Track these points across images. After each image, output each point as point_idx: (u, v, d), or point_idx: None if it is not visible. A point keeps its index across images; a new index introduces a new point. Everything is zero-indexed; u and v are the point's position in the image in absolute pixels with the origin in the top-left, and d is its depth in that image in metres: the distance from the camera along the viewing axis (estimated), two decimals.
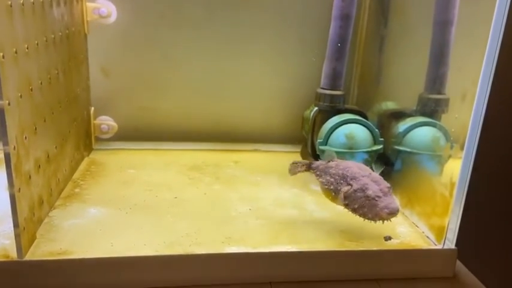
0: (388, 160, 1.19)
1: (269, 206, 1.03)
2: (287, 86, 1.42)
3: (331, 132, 1.22)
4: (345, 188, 0.85)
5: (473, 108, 0.88)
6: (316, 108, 1.36)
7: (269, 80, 1.41)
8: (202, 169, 1.24)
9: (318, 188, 1.24)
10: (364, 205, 0.82)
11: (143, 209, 0.99)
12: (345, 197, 0.84)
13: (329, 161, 0.93)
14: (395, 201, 0.83)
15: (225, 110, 1.42)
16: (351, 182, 0.84)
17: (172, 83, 1.37)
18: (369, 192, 0.82)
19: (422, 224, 0.98)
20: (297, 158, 1.37)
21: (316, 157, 1.26)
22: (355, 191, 0.84)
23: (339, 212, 1.09)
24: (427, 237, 0.95)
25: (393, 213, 0.79)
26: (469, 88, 0.91)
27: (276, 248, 0.86)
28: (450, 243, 0.92)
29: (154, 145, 1.38)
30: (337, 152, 1.24)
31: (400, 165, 1.17)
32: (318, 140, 1.27)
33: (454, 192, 0.94)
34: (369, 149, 1.15)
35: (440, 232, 0.92)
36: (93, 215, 0.95)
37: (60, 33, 1.07)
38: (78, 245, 0.81)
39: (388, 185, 0.86)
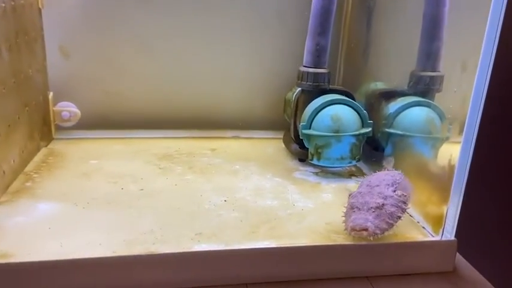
0: (378, 144, 1.12)
1: (247, 196, 0.95)
2: (267, 66, 1.34)
3: (316, 115, 1.10)
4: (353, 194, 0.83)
5: (475, 79, 0.77)
6: (298, 88, 1.24)
7: (247, 60, 1.32)
8: (174, 158, 1.12)
9: (303, 177, 1.13)
10: (346, 214, 0.81)
11: (103, 203, 0.87)
12: (348, 200, 0.83)
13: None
14: (372, 220, 0.75)
15: (201, 95, 1.33)
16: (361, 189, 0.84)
17: (142, 65, 1.27)
18: (352, 201, 0.79)
19: (417, 214, 0.91)
20: (279, 144, 1.28)
21: (300, 143, 1.13)
22: (353, 196, 0.82)
23: (324, 202, 0.98)
24: (423, 227, 0.88)
25: (354, 229, 0.75)
26: (469, 56, 0.80)
27: (253, 245, 0.77)
28: (449, 234, 0.84)
29: (122, 133, 1.27)
30: (321, 137, 1.13)
31: (391, 149, 1.09)
32: (301, 124, 1.15)
33: (453, 177, 0.83)
34: (357, 132, 1.08)
35: (437, 222, 0.84)
36: (43, 212, 0.82)
37: (3, 4, 0.93)
38: (21, 246, 0.69)
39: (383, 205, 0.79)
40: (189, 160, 1.14)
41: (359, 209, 0.76)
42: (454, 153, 0.84)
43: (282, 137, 1.29)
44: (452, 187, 0.83)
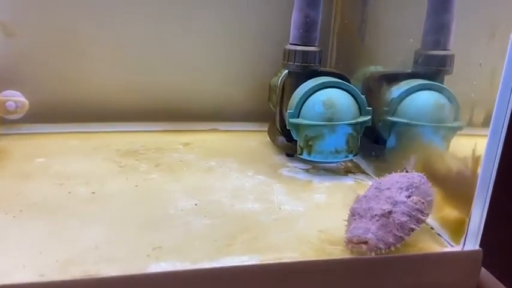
0: (378, 136, 0.99)
1: (223, 198, 0.82)
2: (248, 47, 1.21)
3: (305, 100, 0.96)
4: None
5: (509, 47, 0.60)
6: (285, 71, 1.07)
7: (225, 41, 1.19)
8: (139, 155, 0.96)
9: (291, 174, 0.96)
10: (348, 222, 0.68)
11: (41, 211, 0.69)
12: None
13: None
14: (375, 230, 0.63)
15: (172, 82, 1.20)
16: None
17: (104, 46, 1.13)
18: (354, 206, 0.67)
19: (430, 218, 0.75)
20: (264, 137, 1.17)
21: (287, 135, 1.03)
22: (357, 201, 0.70)
23: (316, 204, 0.81)
24: (439, 235, 0.74)
25: (351, 241, 0.62)
26: (500, 18, 0.63)
27: (227, 261, 0.63)
28: (472, 243, 0.70)
29: (79, 127, 1.13)
30: (312, 126, 0.95)
31: (394, 141, 0.97)
32: (288, 111, 0.98)
33: (479, 172, 0.66)
34: (354, 121, 0.94)
35: (457, 228, 0.71)
36: None
37: None
38: None
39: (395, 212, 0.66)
40: (157, 156, 0.97)
41: (361, 216, 0.64)
42: (478, 146, 0.67)
43: (266, 129, 1.16)
44: (477, 187, 0.66)
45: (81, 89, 1.13)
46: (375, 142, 1.04)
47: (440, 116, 0.87)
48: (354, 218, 0.64)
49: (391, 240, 0.61)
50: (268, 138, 1.13)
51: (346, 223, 0.69)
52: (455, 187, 0.72)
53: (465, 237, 0.68)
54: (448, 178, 0.74)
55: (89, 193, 0.83)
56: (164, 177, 0.90)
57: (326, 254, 0.65)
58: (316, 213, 0.78)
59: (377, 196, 0.66)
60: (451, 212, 0.71)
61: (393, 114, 0.94)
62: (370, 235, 0.60)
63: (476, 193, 0.66)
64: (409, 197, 0.66)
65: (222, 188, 0.86)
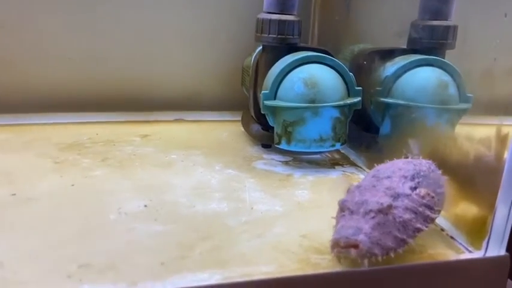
0: (370, 122, 0.88)
1: (182, 198, 0.69)
2: (218, 28, 1.10)
3: (282, 79, 0.82)
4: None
5: None
6: (259, 48, 0.91)
7: (190, 22, 1.08)
8: (84, 148, 0.83)
9: (268, 167, 0.80)
10: (336, 220, 0.55)
11: None
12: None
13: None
14: (369, 230, 0.49)
15: (130, 67, 1.08)
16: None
17: (46, 24, 0.99)
18: (345, 199, 0.54)
19: (441, 217, 0.63)
20: (237, 127, 1.05)
21: (263, 122, 0.90)
22: (348, 192, 0.57)
23: (298, 202, 0.68)
24: (452, 237, 0.61)
25: (338, 245, 0.49)
26: None
27: (178, 281, 0.49)
28: (497, 247, 0.56)
29: (13, 119, 0.98)
30: (291, 109, 0.80)
31: (388, 127, 0.86)
32: (263, 92, 0.82)
33: (506, 156, 0.52)
34: (341, 103, 0.82)
35: (477, 229, 0.58)
36: None
37: None
38: None
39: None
40: (106, 150, 0.85)
41: (351, 212, 0.52)
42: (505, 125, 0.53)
43: (240, 119, 1.05)
44: (503, 176, 0.53)
45: (16, 76, 1.01)
46: (365, 129, 0.92)
47: (444, 96, 0.78)
48: (343, 214, 0.52)
49: (389, 243, 0.50)
50: (242, 129, 0.97)
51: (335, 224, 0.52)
52: (474, 177, 0.58)
53: (488, 241, 0.56)
54: (464, 166, 0.59)
55: (7, 195, 0.66)
56: (110, 174, 0.75)
57: (311, 267, 0.53)
58: (297, 214, 0.66)
59: (374, 186, 0.54)
60: (469, 209, 0.60)
61: (387, 94, 0.83)
62: (361, 236, 0.48)
63: (502, 184, 0.53)
64: (415, 188, 0.55)
65: (182, 186, 0.74)
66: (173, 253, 0.54)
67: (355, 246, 0.48)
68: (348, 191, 0.56)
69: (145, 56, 1.07)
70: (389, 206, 0.51)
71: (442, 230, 0.62)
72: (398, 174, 0.56)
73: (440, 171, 0.59)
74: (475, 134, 0.59)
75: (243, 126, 1.01)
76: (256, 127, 0.93)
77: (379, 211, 0.50)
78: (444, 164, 0.63)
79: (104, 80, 1.06)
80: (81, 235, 0.56)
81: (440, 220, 0.63)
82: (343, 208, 0.53)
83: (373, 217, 0.50)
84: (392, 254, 0.50)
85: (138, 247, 0.55)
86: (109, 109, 1.05)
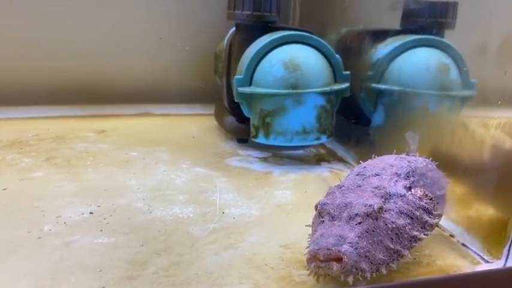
0: (360, 111, 0.79)
1: (138, 202, 0.59)
2: (186, 8, 1.00)
3: (259, 61, 0.73)
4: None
5: None
6: (232, 29, 0.80)
7: (157, 6, 0.99)
8: (27, 146, 0.78)
9: (243, 165, 0.70)
10: (312, 227, 0.46)
11: None
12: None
13: None
14: (354, 240, 0.40)
15: (90, 59, 0.99)
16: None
17: None
18: (324, 202, 0.44)
19: (449, 221, 0.54)
20: (210, 122, 0.96)
21: (238, 114, 0.79)
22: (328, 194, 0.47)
23: (278, 205, 0.63)
24: (464, 245, 0.52)
25: (316, 258, 0.39)
26: None
27: None
28: None
29: None
30: (270, 97, 0.69)
31: (381, 118, 0.76)
32: (235, 77, 0.71)
33: None
34: (327, 89, 0.72)
35: (495, 234, 0.48)
36: None
37: None
38: None
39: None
40: (53, 148, 0.77)
41: (333, 217, 0.42)
42: None
43: (213, 112, 0.97)
44: None
45: None
46: (355, 121, 0.84)
47: (445, 81, 0.70)
48: (322, 220, 0.42)
49: (380, 256, 0.41)
50: (216, 122, 0.86)
51: None
52: (491, 171, 0.47)
53: (509, 248, 0.47)
54: (478, 158, 0.49)
55: None
56: (53, 175, 0.66)
57: (294, 286, 0.42)
58: (277, 219, 0.57)
59: (359, 186, 0.45)
60: (483, 211, 0.51)
61: (380, 80, 0.75)
62: (346, 247, 0.39)
63: None
64: (410, 188, 0.47)
65: (139, 187, 0.65)
66: (118, 273, 0.43)
67: (338, 260, 0.39)
68: (328, 192, 0.45)
69: (105, 43, 0.99)
70: (380, 209, 0.42)
71: (452, 236, 0.53)
72: (389, 172, 0.47)
73: (440, 171, 0.49)
74: (491, 121, 0.49)
75: (216, 119, 0.91)
76: (230, 119, 0.82)
77: (367, 215, 0.41)
78: (451, 158, 0.53)
79: (56, 70, 0.97)
80: (4, 253, 0.44)
81: (449, 224, 0.53)
82: (322, 212, 0.43)
83: (359, 223, 0.41)
84: (383, 270, 0.41)
85: (73, 267, 0.44)
86: (62, 102, 0.96)
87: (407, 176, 0.47)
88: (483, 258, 0.48)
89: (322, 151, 0.81)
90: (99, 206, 0.56)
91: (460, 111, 0.72)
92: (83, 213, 0.54)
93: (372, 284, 0.41)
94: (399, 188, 0.45)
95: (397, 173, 0.47)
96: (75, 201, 0.56)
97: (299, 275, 0.44)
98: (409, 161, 0.49)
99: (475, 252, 0.49)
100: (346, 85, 0.74)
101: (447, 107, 0.71)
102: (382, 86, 0.73)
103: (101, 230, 0.50)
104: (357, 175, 0.47)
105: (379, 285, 0.42)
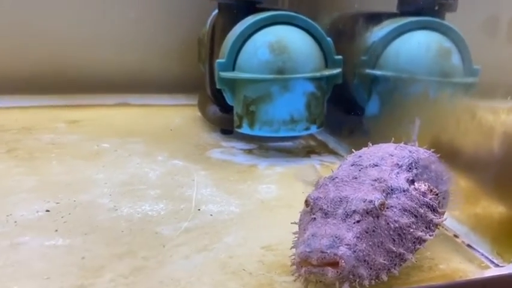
0: (353, 100, 0.74)
1: (103, 198, 0.53)
2: None
3: (243, 43, 0.68)
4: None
5: None
6: (215, 11, 0.74)
7: None
8: None
9: (225, 157, 0.64)
10: (299, 226, 0.40)
11: None
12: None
13: None
14: (352, 241, 0.35)
15: (64, 42, 0.92)
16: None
17: None
18: (314, 195, 0.38)
19: (452, 219, 0.48)
20: (193, 113, 0.89)
21: (222, 103, 0.74)
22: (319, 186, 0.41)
23: (261, 201, 0.56)
24: (470, 246, 0.46)
25: (308, 262, 0.34)
26: None
27: None
28: None
29: None
30: (254, 82, 0.63)
31: (376, 106, 0.71)
32: (217, 61, 0.65)
33: None
34: (317, 74, 0.67)
35: (505, 235, 0.44)
36: None
37: None
38: None
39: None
40: (16, 139, 0.73)
41: (326, 213, 0.37)
42: None
43: (196, 103, 0.90)
44: None
45: None
46: (347, 110, 0.78)
47: (446, 66, 0.65)
48: (314, 217, 0.37)
49: (381, 260, 0.36)
50: (200, 113, 0.80)
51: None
52: (502, 162, 0.41)
53: None
54: (487, 147, 0.43)
55: None
56: (11, 168, 0.62)
57: None
58: (259, 217, 0.52)
59: (356, 178, 0.40)
60: (492, 208, 0.46)
61: (375, 65, 0.70)
62: (343, 250, 0.34)
63: None
64: (413, 182, 0.41)
65: (107, 182, 0.58)
66: (68, 281, 0.37)
67: (334, 265, 0.34)
68: (317, 184, 0.40)
69: (79, 29, 0.93)
70: (382, 205, 0.36)
71: (456, 236, 0.47)
72: (389, 162, 0.41)
73: (443, 164, 0.43)
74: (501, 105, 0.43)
75: (200, 109, 0.85)
76: (213, 109, 0.77)
77: (367, 213, 0.36)
78: (455, 149, 0.47)
79: (28, 59, 0.91)
80: None
81: (453, 223, 0.47)
82: (314, 208, 0.37)
83: (357, 221, 0.36)
84: (384, 276, 0.36)
85: (17, 273, 0.38)
86: (34, 92, 0.90)
87: (410, 168, 0.41)
88: (492, 262, 0.43)
89: (312, 143, 0.75)
90: (57, 203, 0.49)
91: (461, 99, 0.67)
92: (37, 211, 0.47)
93: None
94: (401, 181, 0.39)
95: (398, 164, 0.41)
96: (31, 198, 0.50)
97: (281, 282, 0.38)
98: (410, 151, 0.43)
99: (483, 255, 0.44)
100: (338, 71, 0.68)
101: (448, 95, 0.66)
102: (377, 72, 0.69)
103: (56, 230, 0.44)
104: (351, 165, 0.41)
105: None
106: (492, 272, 0.41)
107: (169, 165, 0.63)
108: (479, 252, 0.44)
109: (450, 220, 0.49)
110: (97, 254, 0.41)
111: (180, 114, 0.89)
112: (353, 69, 0.71)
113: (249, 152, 0.70)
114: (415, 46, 0.67)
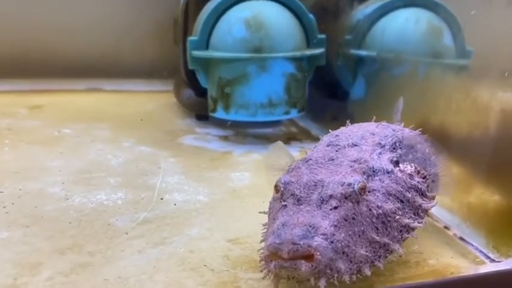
0: (336, 83, 0.70)
1: (55, 187, 0.48)
2: None
3: (216, 20, 0.64)
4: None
5: None
6: None
7: None
8: None
9: (198, 144, 0.59)
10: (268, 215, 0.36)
11: None
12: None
13: None
14: (328, 230, 0.31)
15: (29, 24, 0.87)
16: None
17: None
18: (284, 180, 0.34)
19: (442, 208, 0.43)
20: (170, 99, 0.83)
21: (197, 86, 0.67)
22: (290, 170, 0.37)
23: (233, 190, 0.51)
24: (462, 239, 0.41)
25: (278, 255, 0.30)
26: None
27: None
28: None
29: None
30: (229, 62, 0.58)
31: (362, 89, 0.66)
32: (189, 39, 0.60)
33: None
34: (298, 53, 0.62)
35: (502, 227, 0.39)
36: None
37: None
38: None
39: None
40: None
41: (298, 199, 0.32)
42: None
43: (172, 89, 0.85)
44: None
45: None
46: (330, 95, 0.73)
47: (437, 46, 0.61)
48: (285, 203, 0.32)
49: (362, 251, 0.32)
50: (176, 99, 0.75)
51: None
52: (501, 144, 0.37)
53: None
54: (483, 128, 0.39)
55: None
56: None
57: None
58: (229, 206, 0.47)
59: (332, 160, 0.35)
60: (487, 196, 0.41)
61: (360, 45, 0.66)
62: (318, 240, 0.30)
63: None
64: (397, 163, 0.37)
65: (62, 169, 0.53)
66: (0, 279, 0.31)
67: (308, 258, 0.29)
68: (290, 167, 0.35)
69: (48, 8, 0.87)
70: (363, 189, 0.32)
71: (447, 228, 0.42)
72: (370, 141, 0.37)
73: (431, 144, 0.38)
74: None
75: (175, 94, 0.79)
76: (187, 93, 0.72)
77: (345, 197, 0.32)
78: (446, 129, 0.42)
79: None
80: None
81: (443, 213, 0.42)
82: (285, 194, 0.32)
83: (335, 207, 0.32)
84: (367, 271, 0.32)
85: None
86: None
87: (394, 148, 0.37)
88: (488, 257, 0.39)
89: (293, 129, 0.70)
90: (1, 192, 0.44)
91: (453, 81, 0.63)
92: None
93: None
94: (384, 162, 0.35)
95: (380, 144, 0.36)
96: None
97: (247, 279, 0.33)
98: (393, 130, 0.39)
99: (477, 249, 0.40)
100: (320, 50, 0.64)
101: (438, 77, 0.62)
102: (363, 52, 0.64)
103: None
104: (327, 146, 0.36)
105: None
106: (488, 267, 0.37)
107: (136, 152, 0.58)
108: (473, 245, 0.40)
109: (440, 210, 0.45)
110: (36, 248, 0.36)
111: (154, 101, 0.84)
112: (337, 49, 0.66)
113: (225, 138, 0.65)
114: (403, 24, 0.63)
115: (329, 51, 0.66)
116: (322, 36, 0.65)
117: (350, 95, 0.68)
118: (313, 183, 0.33)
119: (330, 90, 0.70)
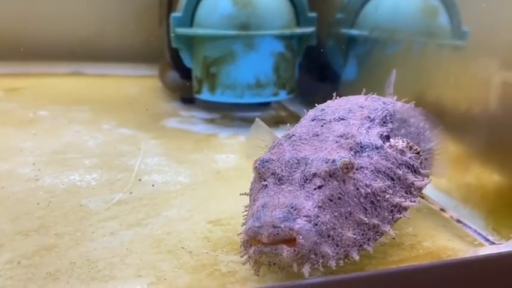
0: (327, 65, 0.67)
1: (25, 167, 0.45)
2: None
3: None
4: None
5: None
6: None
7: None
8: None
9: (183, 126, 0.57)
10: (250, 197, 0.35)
11: None
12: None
13: None
14: (312, 210, 0.28)
15: (11, 7, 0.85)
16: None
17: None
18: (266, 158, 0.32)
19: (441, 193, 0.41)
20: (155, 83, 0.79)
21: (182, 65, 0.64)
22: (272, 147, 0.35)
23: (217, 171, 0.49)
24: (459, 221, 0.39)
25: (258, 239, 0.28)
26: None
27: None
28: None
29: None
30: (215, 39, 0.55)
31: (354, 71, 0.64)
32: (173, 15, 0.57)
33: None
34: (287, 31, 0.59)
35: (502, 208, 0.36)
36: None
37: None
38: None
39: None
40: None
41: (280, 179, 0.30)
42: None
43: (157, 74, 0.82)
44: None
45: None
46: (321, 78, 0.71)
47: (432, 26, 0.58)
48: (265, 183, 0.31)
49: (350, 234, 0.30)
50: (161, 82, 0.73)
51: None
52: (496, 125, 0.34)
53: None
54: (478, 108, 0.36)
55: None
56: None
57: (219, 279, 0.30)
58: (210, 188, 0.44)
59: (317, 135, 0.33)
60: (486, 176, 0.38)
61: (352, 24, 0.63)
62: (301, 223, 0.28)
63: None
64: (388, 138, 0.34)
65: (34, 150, 0.51)
66: None
67: (290, 242, 0.28)
68: (272, 145, 0.33)
69: None
70: (349, 166, 0.30)
71: (443, 210, 0.40)
72: (359, 115, 0.34)
73: (427, 118, 0.36)
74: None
75: (160, 77, 0.76)
76: (172, 75, 0.68)
77: (330, 176, 0.30)
78: (443, 104, 0.40)
79: None
80: None
81: (438, 195, 0.40)
82: (264, 173, 0.30)
83: (319, 187, 0.30)
84: (355, 254, 0.30)
85: None
86: None
87: (384, 122, 0.34)
88: (487, 239, 0.37)
89: (283, 113, 0.68)
90: None
91: (449, 62, 0.61)
92: None
93: (337, 274, 0.28)
94: (373, 137, 0.32)
95: (369, 117, 0.34)
96: None
97: (228, 261, 0.31)
98: (384, 103, 0.36)
99: (476, 231, 0.38)
100: (311, 29, 0.61)
101: (433, 55, 0.60)
102: (355, 32, 0.62)
103: None
104: (312, 120, 0.34)
105: (345, 276, 0.30)
106: (487, 250, 0.35)
107: (115, 134, 0.55)
108: (471, 228, 0.38)
109: (436, 191, 0.43)
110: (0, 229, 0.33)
111: (140, 85, 0.81)
112: (328, 28, 0.63)
113: (211, 121, 0.62)
114: (397, 2, 0.60)
115: (320, 32, 0.64)
116: (313, 14, 0.62)
117: (341, 77, 0.65)
118: (296, 161, 0.30)
119: (320, 72, 0.68)
